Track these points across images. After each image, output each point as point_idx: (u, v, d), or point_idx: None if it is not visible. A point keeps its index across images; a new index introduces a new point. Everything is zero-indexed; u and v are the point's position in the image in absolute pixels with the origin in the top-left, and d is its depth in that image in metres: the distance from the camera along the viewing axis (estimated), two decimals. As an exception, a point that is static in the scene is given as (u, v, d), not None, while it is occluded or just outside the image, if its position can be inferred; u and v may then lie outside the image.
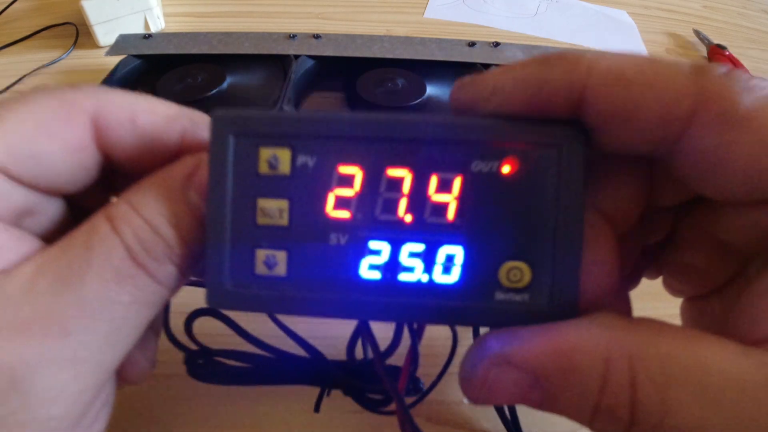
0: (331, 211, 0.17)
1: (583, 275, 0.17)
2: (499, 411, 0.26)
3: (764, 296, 0.15)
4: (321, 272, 0.17)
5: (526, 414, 0.27)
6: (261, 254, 0.17)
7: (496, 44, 0.53)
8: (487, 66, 0.49)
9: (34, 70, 0.53)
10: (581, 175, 0.16)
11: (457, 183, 0.17)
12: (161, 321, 0.22)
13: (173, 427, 0.27)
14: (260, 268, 0.17)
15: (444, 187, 0.17)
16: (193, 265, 0.17)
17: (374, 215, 0.17)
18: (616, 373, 0.14)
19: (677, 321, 0.23)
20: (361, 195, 0.17)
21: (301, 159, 0.17)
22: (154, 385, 0.28)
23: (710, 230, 0.18)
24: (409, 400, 0.26)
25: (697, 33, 0.64)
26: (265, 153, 0.17)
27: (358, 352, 0.26)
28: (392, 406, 0.25)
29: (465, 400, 0.28)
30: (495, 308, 0.17)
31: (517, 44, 0.53)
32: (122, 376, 0.19)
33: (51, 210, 0.18)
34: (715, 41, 0.61)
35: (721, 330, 0.16)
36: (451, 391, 0.29)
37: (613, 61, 0.15)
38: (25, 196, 0.17)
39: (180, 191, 0.17)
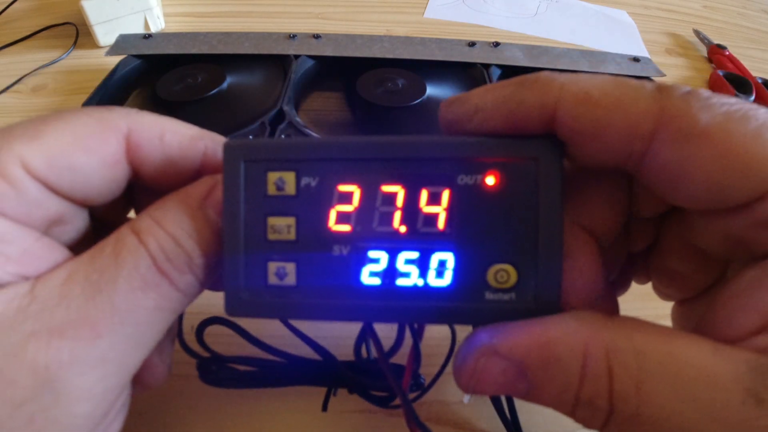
0: (334, 225, 0.19)
1: (567, 283, 0.18)
2: (499, 411, 0.26)
3: (736, 297, 0.16)
4: (326, 280, 0.19)
5: (526, 414, 0.27)
6: (273, 266, 0.19)
7: (496, 44, 0.53)
8: (487, 66, 0.49)
9: (34, 70, 0.53)
10: (559, 183, 0.18)
11: (445, 195, 0.18)
12: (177, 329, 0.23)
13: (174, 427, 0.27)
14: (272, 279, 0.19)
15: (434, 199, 0.18)
16: (211, 276, 0.19)
17: (372, 227, 0.19)
18: (593, 364, 0.15)
19: (669, 321, 0.23)
20: (359, 210, 0.19)
21: (305, 180, 0.19)
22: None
23: (688, 238, 0.20)
24: (411, 395, 0.27)
25: (697, 33, 0.64)
26: (273, 176, 0.19)
27: (364, 352, 0.26)
28: (396, 401, 0.26)
29: (465, 400, 0.28)
30: (485, 307, 0.18)
31: (517, 44, 0.53)
32: (141, 380, 0.20)
33: (78, 221, 0.19)
34: (715, 41, 0.61)
35: (700, 327, 0.17)
36: (451, 391, 0.29)
37: (582, 84, 0.17)
38: (59, 206, 0.18)
39: (199, 208, 0.18)
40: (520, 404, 0.27)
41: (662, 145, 0.16)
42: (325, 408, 0.27)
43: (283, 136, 0.41)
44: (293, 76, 0.47)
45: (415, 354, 0.23)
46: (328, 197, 0.19)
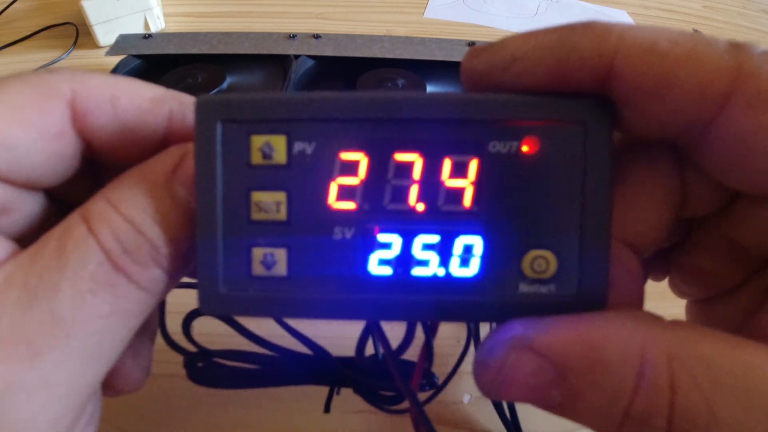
0: (334, 202, 0.15)
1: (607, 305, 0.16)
2: (499, 411, 0.26)
3: None
4: (325, 270, 0.16)
5: (526, 414, 0.27)
6: (258, 253, 0.15)
7: (496, 44, 0.53)
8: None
9: (33, 70, 0.53)
10: (608, 153, 0.15)
11: (473, 166, 0.15)
12: (156, 325, 0.21)
13: (173, 427, 0.27)
14: (257, 269, 0.16)
15: (459, 171, 0.15)
16: (183, 267, 0.16)
17: (382, 205, 0.15)
18: (653, 373, 0.13)
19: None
20: (366, 183, 0.15)
21: (299, 146, 0.15)
22: (153, 385, 0.28)
23: (728, 233, 0.17)
24: (422, 396, 0.25)
25: (697, 33, 0.64)
26: (258, 141, 0.15)
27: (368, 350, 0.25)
28: (404, 404, 0.25)
29: (465, 400, 0.28)
30: (519, 301, 0.16)
31: (517, 44, 0.53)
32: (114, 387, 0.18)
33: (28, 207, 0.16)
34: (715, 41, 0.61)
35: (747, 333, 0.15)
36: (451, 391, 0.29)
37: (646, 33, 0.14)
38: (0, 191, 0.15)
39: (164, 185, 0.15)
40: (520, 404, 0.27)
41: (736, 109, 0.13)
42: (327, 409, 0.26)
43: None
44: (293, 76, 0.47)
45: (428, 352, 0.20)
46: (328, 167, 0.15)
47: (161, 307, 0.20)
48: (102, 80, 0.16)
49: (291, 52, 0.50)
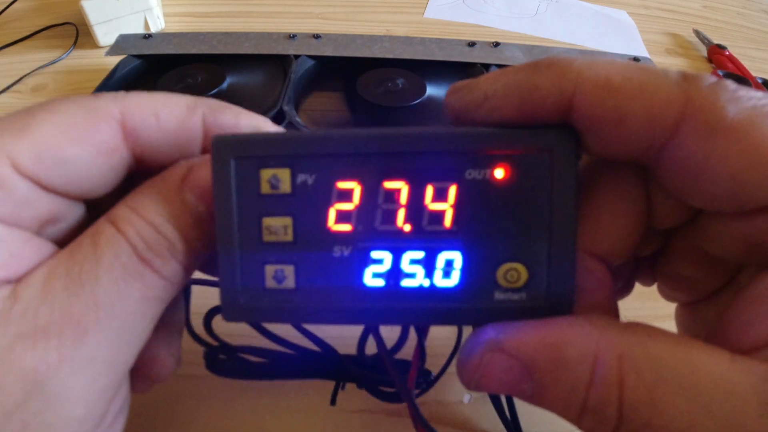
0: (333, 224, 0.18)
1: (576, 309, 0.17)
2: (499, 411, 0.26)
3: (751, 305, 0.15)
4: (327, 283, 0.18)
5: (526, 414, 0.27)
6: (270, 269, 0.18)
7: (496, 44, 0.53)
8: (487, 66, 0.49)
9: (34, 70, 0.53)
10: (573, 176, 0.17)
11: (452, 191, 0.17)
12: (183, 320, 0.23)
13: (176, 427, 0.27)
14: (270, 283, 0.18)
15: (440, 196, 0.17)
16: (195, 262, 0.18)
17: (374, 226, 0.18)
18: (604, 370, 0.14)
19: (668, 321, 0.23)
20: (360, 208, 0.18)
21: (301, 177, 0.18)
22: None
23: (699, 244, 0.19)
24: (418, 391, 0.26)
25: (697, 33, 0.64)
26: (266, 174, 0.18)
27: (371, 348, 0.26)
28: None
29: (465, 400, 0.28)
30: (494, 307, 0.18)
31: (517, 44, 0.53)
32: (149, 374, 0.20)
33: (74, 216, 0.18)
34: (715, 41, 0.61)
35: (713, 335, 0.16)
36: (451, 391, 0.29)
37: (602, 68, 0.16)
38: (52, 203, 0.17)
39: (176, 192, 0.17)
40: (520, 404, 0.27)
41: (686, 137, 0.15)
42: (333, 402, 0.26)
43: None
44: (293, 76, 0.47)
45: (420, 352, 0.22)
46: (327, 195, 0.18)
47: (186, 305, 0.22)
48: (144, 98, 0.18)
49: (291, 52, 0.50)
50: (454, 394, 0.29)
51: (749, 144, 0.14)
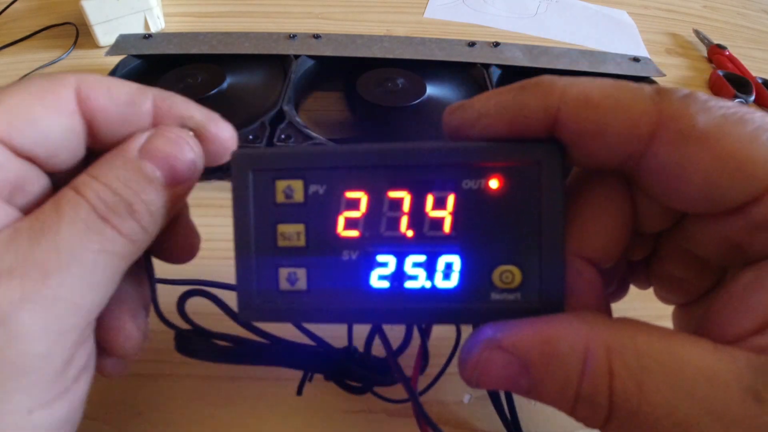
0: (342, 231, 0.19)
1: (568, 309, 0.18)
2: (499, 411, 0.26)
3: (732, 301, 0.16)
4: (336, 285, 0.19)
5: (526, 414, 0.27)
6: (284, 272, 0.19)
7: (496, 44, 0.53)
8: (487, 66, 0.49)
9: (34, 70, 0.53)
10: (560, 185, 0.18)
11: (450, 200, 0.19)
12: (148, 295, 0.23)
13: (174, 427, 0.27)
14: (284, 285, 0.19)
15: (439, 204, 0.19)
16: (155, 224, 0.19)
17: (380, 232, 0.19)
18: (594, 362, 0.15)
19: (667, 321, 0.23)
20: (367, 216, 0.19)
21: (313, 188, 0.19)
22: (154, 385, 0.28)
23: (685, 246, 0.20)
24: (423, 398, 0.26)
25: (697, 33, 0.64)
26: (281, 185, 0.19)
27: (377, 350, 0.25)
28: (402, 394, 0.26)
29: (465, 400, 0.28)
30: (491, 307, 0.19)
31: (517, 44, 0.53)
32: (116, 345, 0.20)
33: (40, 186, 0.19)
34: (715, 41, 0.61)
35: (699, 330, 0.17)
36: (451, 391, 0.29)
37: (582, 87, 0.17)
38: (21, 168, 0.18)
39: (134, 161, 0.19)
40: (520, 404, 0.27)
41: (661, 146, 0.16)
42: (299, 392, 0.27)
43: (283, 137, 0.40)
44: (293, 76, 0.47)
45: (423, 352, 0.23)
46: (336, 204, 0.19)
47: (151, 281, 0.22)
48: (99, 76, 0.20)
49: (291, 52, 0.50)
50: (454, 394, 0.29)
51: (719, 149, 0.16)
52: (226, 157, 0.21)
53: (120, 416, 0.27)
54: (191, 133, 0.20)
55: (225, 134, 0.21)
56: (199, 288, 0.24)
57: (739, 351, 0.15)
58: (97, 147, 0.20)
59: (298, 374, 0.29)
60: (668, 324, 0.24)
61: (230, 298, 0.24)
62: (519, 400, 0.27)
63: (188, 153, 0.19)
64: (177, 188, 0.19)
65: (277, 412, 0.28)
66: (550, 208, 0.18)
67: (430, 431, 0.23)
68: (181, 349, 0.25)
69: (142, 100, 0.20)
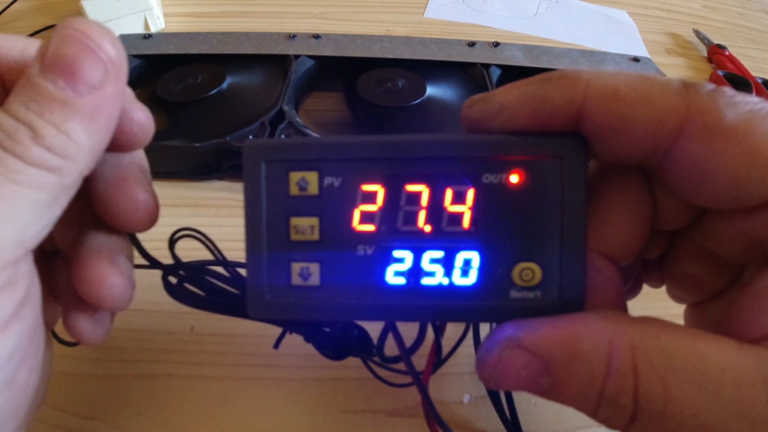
0: (358, 225, 0.19)
1: (587, 307, 0.18)
2: (499, 411, 0.26)
3: (756, 299, 0.16)
4: (351, 280, 0.19)
5: (526, 414, 0.27)
6: (296, 267, 0.19)
7: (496, 44, 0.53)
8: (487, 66, 0.49)
9: (34, 70, 0.52)
10: (582, 181, 0.18)
11: (470, 194, 0.18)
12: (128, 243, 0.22)
13: (174, 427, 0.27)
14: (296, 280, 0.19)
15: (458, 198, 0.18)
16: (79, 150, 0.17)
17: (396, 227, 0.19)
18: (619, 361, 0.15)
19: (680, 320, 0.23)
20: (383, 209, 0.19)
21: (328, 180, 0.19)
22: (153, 385, 0.28)
23: (704, 244, 0.20)
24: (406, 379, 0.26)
25: (697, 33, 0.64)
26: (295, 176, 0.19)
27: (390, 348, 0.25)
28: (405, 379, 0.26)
29: (465, 400, 0.28)
30: (510, 305, 0.18)
31: (517, 44, 0.53)
32: (99, 298, 0.19)
33: None
34: (715, 41, 0.61)
35: (720, 330, 0.16)
36: (451, 391, 0.29)
37: (608, 79, 0.17)
38: None
39: (36, 77, 0.16)
40: (520, 404, 0.27)
41: (688, 140, 0.16)
42: (276, 345, 0.26)
43: (283, 137, 0.40)
44: (293, 76, 0.47)
45: (437, 349, 0.23)
46: (352, 197, 0.19)
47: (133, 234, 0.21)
48: (15, 36, 0.19)
49: (291, 52, 0.50)
50: (454, 394, 0.29)
51: (747, 144, 0.15)
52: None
53: (120, 416, 0.27)
54: (102, 24, 0.17)
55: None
56: (189, 228, 0.23)
57: (764, 350, 0.15)
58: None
59: (298, 374, 0.29)
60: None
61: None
62: (519, 401, 0.27)
63: (94, 49, 0.17)
64: (95, 97, 0.17)
65: (277, 412, 0.28)
66: (571, 205, 0.18)
67: (440, 431, 0.23)
68: (168, 289, 0.24)
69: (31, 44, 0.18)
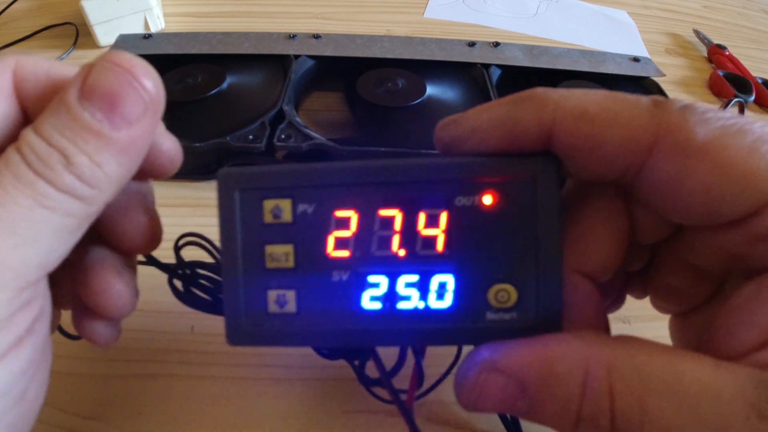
0: (332, 251, 0.19)
1: (566, 324, 0.18)
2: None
3: (734, 314, 0.16)
4: (327, 306, 0.19)
5: (526, 414, 0.27)
6: (272, 295, 0.19)
7: (496, 44, 0.53)
8: (487, 66, 0.49)
9: (34, 70, 0.52)
10: (556, 201, 0.18)
11: (443, 218, 0.18)
12: (133, 259, 0.22)
13: (174, 427, 0.27)
14: (272, 307, 0.19)
15: (432, 222, 0.18)
16: (106, 178, 0.17)
17: (371, 252, 0.19)
18: (594, 382, 0.15)
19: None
20: (357, 235, 0.19)
21: (301, 207, 0.19)
22: (153, 385, 0.28)
23: (684, 257, 0.20)
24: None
25: (697, 33, 0.64)
26: (269, 204, 0.19)
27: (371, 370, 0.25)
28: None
29: (465, 400, 0.28)
30: (486, 327, 0.18)
31: (517, 44, 0.53)
32: (106, 307, 0.20)
33: None
34: (715, 41, 0.61)
35: (701, 345, 0.17)
36: (451, 391, 0.29)
37: (577, 100, 0.17)
38: None
39: (71, 104, 0.16)
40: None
41: (660, 158, 0.16)
42: None
43: (283, 137, 0.40)
44: (293, 76, 0.47)
45: (418, 374, 0.22)
46: (326, 223, 0.19)
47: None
48: (40, 57, 0.19)
49: (291, 52, 0.50)
50: (453, 394, 0.29)
51: (718, 161, 0.15)
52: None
53: (120, 416, 0.27)
54: (139, 58, 0.17)
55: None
56: (193, 234, 0.23)
57: (742, 367, 0.14)
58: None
59: (298, 374, 0.29)
60: (663, 324, 0.24)
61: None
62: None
63: (136, 86, 0.17)
64: (131, 132, 0.17)
65: (277, 412, 0.28)
66: (546, 224, 0.18)
67: None
68: (175, 293, 0.24)
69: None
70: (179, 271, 0.24)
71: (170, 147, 0.20)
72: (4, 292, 0.16)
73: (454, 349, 0.25)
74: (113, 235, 0.20)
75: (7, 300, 0.16)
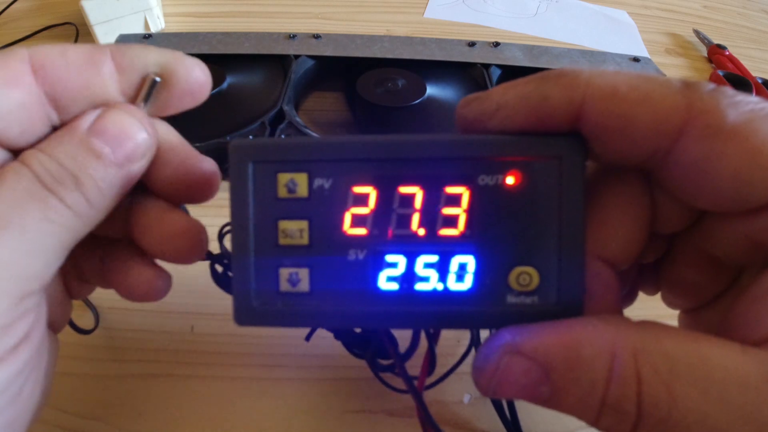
0: (349, 228, 0.18)
1: (585, 311, 0.18)
2: (499, 411, 0.26)
3: (757, 302, 0.16)
4: (342, 286, 0.18)
5: (526, 414, 0.27)
6: (284, 272, 0.18)
7: (496, 44, 0.53)
8: (487, 66, 0.49)
9: (34, 70, 0.52)
10: (581, 183, 0.17)
11: (465, 196, 0.18)
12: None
13: (173, 427, 0.27)
14: (284, 286, 0.18)
15: (453, 201, 0.18)
16: (106, 201, 0.18)
17: (389, 230, 0.18)
18: (621, 366, 0.15)
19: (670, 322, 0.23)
20: (375, 212, 0.18)
21: (318, 182, 0.18)
22: (153, 385, 0.28)
23: (703, 247, 0.19)
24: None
25: (697, 33, 0.64)
26: (284, 178, 0.18)
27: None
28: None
29: (465, 400, 0.28)
30: (507, 311, 0.18)
31: (517, 44, 0.53)
32: (139, 290, 0.21)
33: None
34: (715, 41, 0.61)
35: (721, 334, 0.16)
36: (451, 391, 0.29)
37: (608, 78, 0.16)
38: None
39: (82, 137, 0.18)
40: (520, 404, 0.27)
41: (689, 141, 0.16)
42: (308, 339, 0.26)
43: (283, 136, 0.40)
44: (293, 76, 0.47)
45: (431, 358, 0.22)
46: (343, 199, 0.18)
47: None
48: (52, 45, 0.19)
49: (291, 52, 0.50)
50: (454, 394, 0.29)
51: (748, 145, 0.15)
52: (202, 96, 0.20)
53: (120, 416, 0.27)
54: (144, 111, 0.19)
55: (195, 72, 0.19)
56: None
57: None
58: (67, 120, 0.19)
59: (298, 374, 0.29)
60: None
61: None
62: (519, 401, 0.27)
63: (139, 132, 0.18)
64: (129, 167, 0.18)
65: (278, 412, 0.28)
66: (569, 207, 0.17)
67: None
68: (216, 280, 0.24)
69: (100, 59, 0.18)
70: (224, 261, 0.24)
71: (208, 167, 0.21)
72: (6, 299, 0.16)
73: (460, 346, 0.25)
74: (146, 245, 0.21)
75: (8, 308, 0.16)
